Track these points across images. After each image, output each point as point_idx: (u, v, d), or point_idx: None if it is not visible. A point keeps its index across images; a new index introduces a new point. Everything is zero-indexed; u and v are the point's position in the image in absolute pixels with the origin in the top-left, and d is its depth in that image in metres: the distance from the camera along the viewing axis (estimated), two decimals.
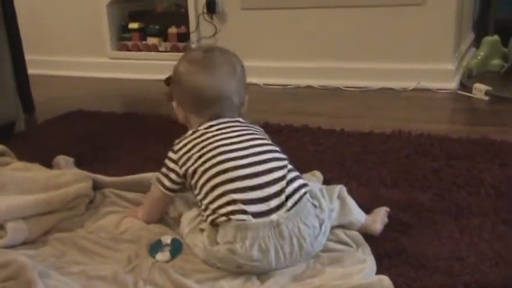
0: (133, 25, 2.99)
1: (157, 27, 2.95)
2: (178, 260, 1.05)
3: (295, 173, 1.07)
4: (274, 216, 0.99)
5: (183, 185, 1.14)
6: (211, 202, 1.02)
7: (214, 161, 1.05)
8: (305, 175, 1.32)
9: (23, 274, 0.94)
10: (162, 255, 1.06)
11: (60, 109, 2.25)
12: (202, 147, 1.08)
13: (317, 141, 1.72)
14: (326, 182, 1.36)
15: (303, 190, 1.04)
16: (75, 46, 3.15)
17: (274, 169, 1.04)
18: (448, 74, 2.39)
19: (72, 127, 2.03)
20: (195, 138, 1.11)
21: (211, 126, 1.12)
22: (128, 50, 3.01)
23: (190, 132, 1.14)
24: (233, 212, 0.99)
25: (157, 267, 1.02)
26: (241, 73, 1.18)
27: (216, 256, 1.00)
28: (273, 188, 1.01)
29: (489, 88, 2.19)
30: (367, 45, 2.50)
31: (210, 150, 1.07)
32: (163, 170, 1.15)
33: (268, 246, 0.97)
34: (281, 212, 0.99)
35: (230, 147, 1.07)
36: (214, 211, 1.01)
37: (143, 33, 2.99)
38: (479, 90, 2.21)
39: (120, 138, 1.85)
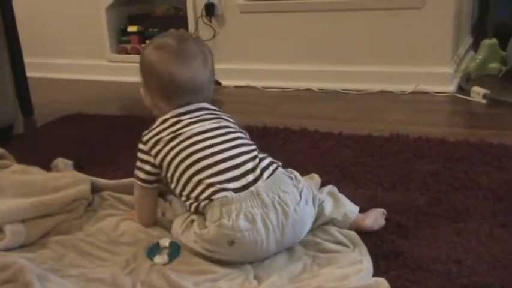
0: (133, 28, 2.99)
1: (156, 30, 2.95)
2: (176, 263, 1.05)
3: (264, 154, 1.12)
4: (253, 188, 1.03)
5: (159, 176, 1.15)
6: (192, 191, 1.05)
7: (186, 152, 1.07)
8: (303, 178, 1.33)
9: (22, 277, 0.94)
10: (160, 258, 1.06)
11: (59, 112, 2.26)
12: (172, 139, 1.10)
13: (315, 144, 1.73)
14: (324, 184, 1.36)
15: (275, 164, 1.10)
16: (74, 49, 3.15)
17: (246, 152, 1.09)
18: (447, 77, 2.40)
19: (71, 130, 2.03)
20: (165, 129, 1.12)
21: (181, 114, 1.13)
22: (127, 53, 3.02)
23: (159, 121, 1.14)
24: (214, 193, 1.02)
25: (156, 270, 1.02)
26: (212, 64, 1.19)
27: (207, 238, 1.02)
28: (247, 166, 1.06)
29: (487, 91, 2.19)
30: (365, 49, 2.51)
31: (181, 141, 1.09)
32: (138, 163, 1.16)
33: (254, 215, 1.00)
34: (259, 183, 1.04)
35: (201, 136, 1.09)
36: (196, 198, 1.04)
37: (142, 37, 2.99)
38: (478, 93, 2.22)
39: (118, 141, 1.85)
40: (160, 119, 1.15)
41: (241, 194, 1.02)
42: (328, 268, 1.00)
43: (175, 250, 1.08)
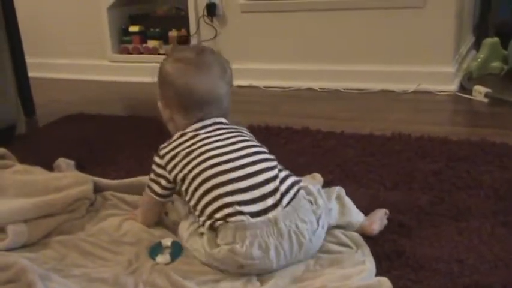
0: (134, 28, 2.99)
1: (157, 30, 2.95)
2: (178, 263, 1.05)
3: (286, 172, 1.08)
4: (271, 215, 0.99)
5: (174, 190, 1.14)
6: (205, 207, 1.02)
7: (203, 166, 1.04)
8: (305, 177, 1.33)
9: (24, 277, 0.94)
10: (163, 258, 1.06)
11: (61, 112, 2.26)
12: (189, 153, 1.07)
13: (317, 144, 1.72)
14: (326, 184, 1.36)
15: (296, 187, 1.05)
16: (75, 49, 3.15)
17: (266, 169, 1.05)
18: (448, 77, 2.39)
19: (73, 130, 2.03)
20: (183, 143, 1.10)
21: (199, 129, 1.11)
22: (129, 53, 3.02)
23: (177, 135, 1.12)
24: (230, 215, 0.99)
25: (158, 270, 1.02)
26: (230, 76, 1.17)
27: (217, 258, 1.00)
28: (266, 188, 1.02)
29: (489, 90, 2.19)
30: (367, 48, 2.51)
31: (198, 155, 1.06)
32: (153, 176, 1.14)
33: (268, 244, 0.98)
34: (277, 210, 1.00)
35: (219, 150, 1.06)
36: (210, 216, 1.01)
37: (144, 36, 2.99)
38: (479, 92, 2.21)
39: (120, 141, 1.85)
40: (178, 134, 1.12)
41: (258, 220, 0.98)
42: (331, 269, 1.00)
43: (177, 250, 1.08)
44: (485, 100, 2.18)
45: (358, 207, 1.18)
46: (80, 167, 1.54)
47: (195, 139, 1.09)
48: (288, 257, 1.00)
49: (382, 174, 1.46)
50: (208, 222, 1.01)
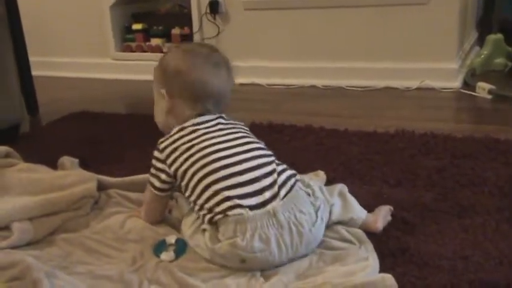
0: (137, 26, 3.00)
1: (160, 28, 2.96)
2: (182, 260, 1.05)
3: (283, 166, 1.10)
4: (270, 206, 1.00)
5: (173, 184, 1.15)
6: (206, 202, 1.03)
7: (203, 161, 1.06)
8: (308, 175, 1.33)
9: (29, 274, 0.95)
10: (167, 255, 1.06)
11: (64, 110, 2.26)
12: (189, 148, 1.09)
13: (320, 141, 1.73)
14: (329, 181, 1.36)
15: (293, 179, 1.07)
16: (78, 47, 3.16)
17: (264, 164, 1.07)
18: (452, 73, 2.39)
19: (76, 128, 2.04)
20: (182, 137, 1.11)
21: (199, 123, 1.13)
22: (132, 51, 3.02)
23: (176, 129, 1.13)
24: (229, 208, 1.00)
25: (162, 267, 1.03)
26: (233, 77, 1.21)
27: (219, 253, 1.01)
28: (265, 181, 1.03)
29: (493, 87, 2.18)
30: (370, 45, 2.50)
31: (198, 150, 1.07)
32: (152, 170, 1.15)
33: (268, 236, 0.99)
34: (276, 202, 1.01)
35: (218, 146, 1.08)
36: (210, 210, 1.02)
37: (147, 34, 2.99)
38: (483, 89, 2.21)
39: (123, 139, 1.86)
40: (177, 127, 1.13)
41: (257, 212, 1.00)
42: (334, 265, 1.01)
43: (181, 247, 1.08)
44: (489, 97, 2.17)
45: (361, 205, 1.18)
46: (84, 165, 1.54)
47: (195, 134, 1.11)
48: (289, 250, 1.01)
49: (385, 171, 1.46)
50: (208, 216, 1.02)
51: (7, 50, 1.92)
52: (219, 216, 1.01)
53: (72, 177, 1.31)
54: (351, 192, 1.21)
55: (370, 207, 1.19)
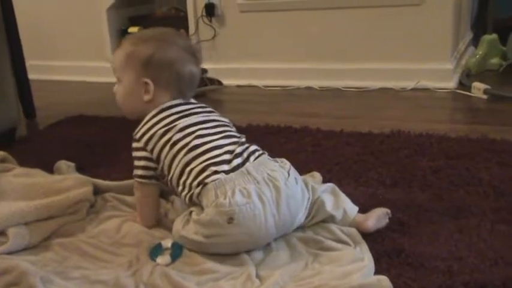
0: (133, 29, 2.99)
1: None
2: (178, 263, 1.06)
3: (251, 143, 1.17)
4: (243, 168, 1.07)
5: (156, 171, 1.17)
6: (186, 179, 1.09)
7: (181, 143, 1.11)
8: (304, 176, 1.33)
9: (25, 280, 0.95)
10: (163, 259, 1.06)
11: (61, 114, 2.26)
12: (166, 132, 1.13)
13: (317, 142, 1.73)
14: (325, 182, 1.36)
15: (261, 151, 1.15)
16: (75, 51, 3.16)
17: (234, 142, 1.14)
18: (447, 73, 2.39)
19: (73, 132, 2.04)
20: (157, 123, 1.15)
21: (170, 107, 1.17)
22: None
23: (149, 116, 1.17)
24: (206, 177, 1.06)
25: (158, 271, 1.02)
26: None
27: (206, 221, 1.04)
28: (236, 151, 1.11)
29: (488, 87, 2.19)
30: (365, 46, 2.51)
31: (175, 133, 1.13)
32: (135, 162, 1.18)
33: (249, 190, 1.03)
34: (247, 164, 1.09)
35: (193, 128, 1.13)
36: (190, 186, 1.08)
37: None
38: (478, 89, 2.22)
39: (120, 143, 1.85)
40: (149, 115, 1.17)
41: (233, 174, 1.06)
42: (330, 266, 1.01)
43: (177, 251, 1.09)
44: (485, 97, 2.18)
45: (357, 205, 1.18)
46: (81, 169, 1.54)
47: (170, 118, 1.15)
48: (272, 205, 1.04)
49: (381, 172, 1.46)
50: (190, 193, 1.08)
51: (3, 54, 1.92)
52: (199, 188, 1.06)
53: (69, 182, 1.31)
54: (346, 192, 1.21)
55: (365, 208, 1.19)
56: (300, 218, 1.11)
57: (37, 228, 1.17)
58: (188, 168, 1.09)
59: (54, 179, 1.39)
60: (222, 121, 1.20)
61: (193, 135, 1.12)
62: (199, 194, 1.06)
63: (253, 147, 1.14)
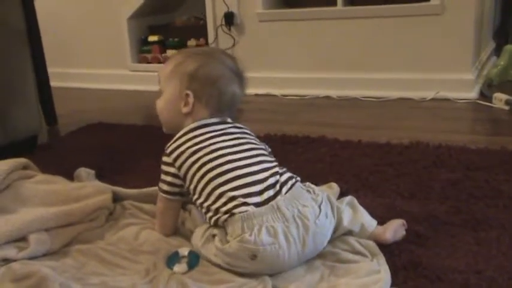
0: (153, 38, 3.04)
1: (176, 39, 2.99)
2: (195, 272, 1.06)
3: (284, 169, 1.14)
4: (273, 202, 1.04)
5: (182, 188, 1.17)
6: (213, 203, 1.06)
7: (210, 165, 1.09)
8: (321, 187, 1.33)
9: (45, 285, 0.97)
10: (179, 267, 1.07)
11: (82, 121, 2.30)
12: (196, 151, 1.12)
13: (334, 153, 1.73)
14: (342, 193, 1.36)
15: (294, 179, 1.11)
16: (96, 59, 3.21)
17: (267, 168, 1.10)
18: (468, 84, 2.37)
19: (94, 139, 2.07)
20: (188, 141, 1.14)
21: (204, 126, 1.16)
22: (148, 62, 3.06)
23: (182, 132, 1.16)
24: (235, 207, 1.03)
25: (175, 279, 1.03)
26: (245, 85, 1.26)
27: (229, 252, 1.02)
28: (268, 181, 1.07)
29: (510, 97, 2.17)
30: (385, 55, 2.50)
31: (205, 154, 1.11)
32: (162, 176, 1.18)
33: (275, 228, 1.01)
34: (278, 198, 1.05)
35: (225, 150, 1.11)
36: (217, 211, 1.06)
37: (163, 46, 3.03)
38: (500, 99, 2.19)
39: (140, 151, 1.88)
40: (182, 131, 1.16)
41: (262, 208, 1.03)
42: (346, 278, 1.00)
43: (194, 259, 1.09)
44: (506, 107, 2.16)
45: (374, 217, 1.18)
46: (100, 177, 1.57)
47: (202, 137, 1.14)
48: (297, 244, 1.02)
49: (398, 183, 1.46)
50: (215, 218, 1.06)
51: (26, 62, 1.95)
52: (226, 216, 1.04)
53: (88, 189, 1.33)
54: (363, 204, 1.21)
55: (382, 220, 1.19)
56: (325, 245, 1.10)
57: (57, 235, 1.19)
58: (216, 193, 1.06)
59: (74, 186, 1.41)
60: (256, 144, 1.17)
61: (223, 159, 1.10)
62: (225, 220, 1.04)
63: (286, 176, 1.10)
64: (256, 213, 1.02)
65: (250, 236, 1.00)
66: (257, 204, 1.03)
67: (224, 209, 1.04)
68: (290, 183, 1.09)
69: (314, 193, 1.11)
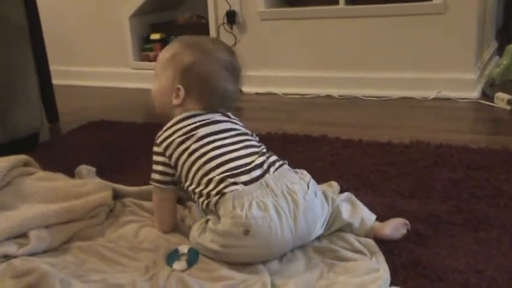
0: (155, 36, 3.04)
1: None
2: (194, 269, 1.06)
3: (271, 153, 1.17)
4: (262, 180, 1.07)
5: (174, 177, 1.18)
6: (204, 188, 1.09)
7: (200, 152, 1.12)
8: (322, 185, 1.33)
9: (45, 282, 0.97)
10: (179, 264, 1.07)
11: (83, 119, 2.30)
12: (185, 139, 1.15)
13: (335, 152, 1.73)
14: (342, 192, 1.36)
15: (281, 161, 1.14)
16: (98, 57, 3.21)
17: (255, 152, 1.14)
18: (470, 83, 2.37)
19: (95, 137, 2.07)
20: (177, 130, 1.17)
21: (193, 116, 1.18)
22: (150, 60, 3.06)
23: (171, 122, 1.19)
24: (225, 187, 1.07)
25: (174, 276, 1.03)
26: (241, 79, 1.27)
27: (222, 231, 1.04)
28: (255, 162, 1.11)
29: None
30: (387, 55, 2.50)
31: (194, 142, 1.14)
32: (153, 166, 1.20)
33: (266, 203, 1.03)
34: (266, 176, 1.08)
35: (213, 137, 1.14)
36: (208, 194, 1.09)
37: (165, 44, 3.02)
38: (502, 99, 2.19)
39: (141, 149, 1.87)
40: (172, 121, 1.19)
41: (251, 186, 1.06)
42: (345, 276, 1.00)
43: (193, 256, 1.09)
44: (508, 107, 2.15)
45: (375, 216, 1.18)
46: (101, 174, 1.57)
47: (191, 126, 1.16)
48: (289, 219, 1.04)
49: (399, 182, 1.45)
50: (207, 201, 1.08)
51: (28, 60, 1.96)
52: (217, 197, 1.06)
53: (89, 186, 1.34)
54: (364, 203, 1.21)
55: (383, 219, 1.19)
56: (318, 229, 1.11)
57: (57, 231, 1.19)
58: (206, 179, 1.10)
59: (74, 183, 1.41)
60: (243, 130, 1.20)
61: (211, 145, 1.13)
62: (216, 202, 1.07)
63: (273, 158, 1.14)
64: (246, 191, 1.05)
65: (241, 211, 1.02)
66: (246, 183, 1.06)
67: (215, 191, 1.07)
68: (278, 164, 1.13)
69: (301, 174, 1.14)
